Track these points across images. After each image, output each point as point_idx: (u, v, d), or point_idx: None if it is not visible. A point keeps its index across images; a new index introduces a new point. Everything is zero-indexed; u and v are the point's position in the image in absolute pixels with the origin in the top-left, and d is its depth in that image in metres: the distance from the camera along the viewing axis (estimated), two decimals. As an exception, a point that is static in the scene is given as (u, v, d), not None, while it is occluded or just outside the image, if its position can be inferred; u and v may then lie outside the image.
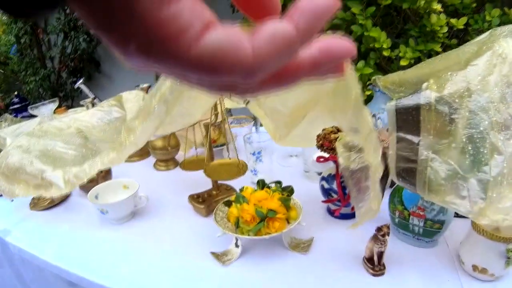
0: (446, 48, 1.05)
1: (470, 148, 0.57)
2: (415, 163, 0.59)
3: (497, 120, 0.58)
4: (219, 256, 0.70)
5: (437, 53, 1.07)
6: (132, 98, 1.06)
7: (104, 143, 0.99)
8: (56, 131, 0.99)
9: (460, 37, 1.08)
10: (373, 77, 1.03)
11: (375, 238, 0.61)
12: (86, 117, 1.05)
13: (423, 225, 0.66)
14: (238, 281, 0.65)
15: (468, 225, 0.64)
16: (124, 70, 2.28)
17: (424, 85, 0.60)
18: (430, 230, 0.66)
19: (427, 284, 0.60)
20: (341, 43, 0.18)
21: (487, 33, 0.71)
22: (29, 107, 1.19)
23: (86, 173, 0.76)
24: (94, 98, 1.20)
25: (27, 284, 0.91)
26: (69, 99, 2.45)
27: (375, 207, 0.59)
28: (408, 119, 0.60)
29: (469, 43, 0.71)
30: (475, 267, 0.59)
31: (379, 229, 0.61)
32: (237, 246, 0.70)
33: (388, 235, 0.61)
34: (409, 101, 0.60)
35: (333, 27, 1.17)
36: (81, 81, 1.27)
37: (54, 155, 0.92)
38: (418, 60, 1.07)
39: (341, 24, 1.16)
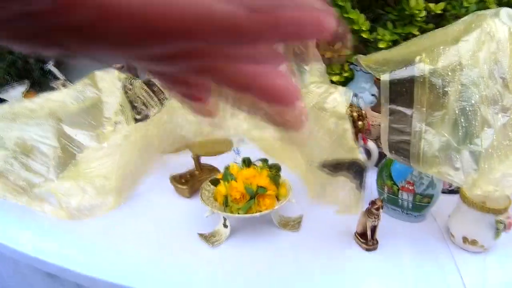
0: (423, 32, 1.07)
1: (462, 120, 0.58)
2: (408, 135, 0.59)
3: (486, 95, 0.59)
4: (207, 238, 0.68)
5: (414, 37, 1.09)
6: (106, 78, 1.01)
7: (81, 130, 0.94)
8: (28, 112, 0.93)
9: (437, 22, 1.10)
10: (354, 57, 1.03)
11: (368, 212, 0.61)
12: (60, 97, 0.99)
13: (412, 200, 0.67)
14: (229, 262, 0.64)
15: (454, 200, 0.65)
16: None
17: (417, 58, 0.60)
18: (419, 204, 0.66)
19: (420, 258, 0.61)
20: (318, 15, 0.13)
21: (469, 15, 0.72)
22: None
23: (91, 212, 0.75)
24: (66, 80, 1.14)
25: (4, 281, 0.85)
26: (37, 85, 2.36)
27: (355, 211, 0.62)
28: (402, 91, 0.60)
29: (455, 23, 0.72)
30: (465, 239, 0.60)
31: (372, 202, 0.61)
32: (225, 226, 0.68)
33: (382, 209, 0.61)
34: (403, 73, 0.60)
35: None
36: (51, 63, 1.20)
37: (32, 148, 0.86)
38: (395, 43, 1.08)
39: (320, 6, 1.15)
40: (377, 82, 0.84)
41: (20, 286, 0.83)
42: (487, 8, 0.99)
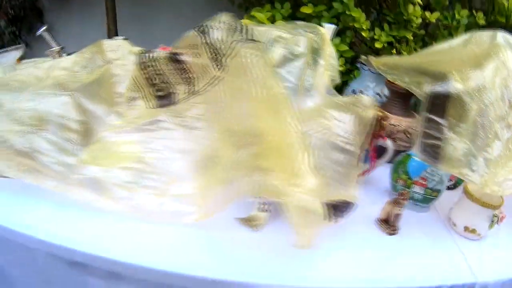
0: (415, 37, 1.27)
1: (481, 132, 0.76)
2: (439, 140, 0.76)
3: (498, 114, 0.78)
4: (247, 221, 0.78)
5: (407, 40, 1.28)
6: (115, 47, 1.02)
7: (95, 103, 0.93)
8: (35, 81, 0.93)
9: (428, 29, 1.30)
10: (363, 57, 1.19)
11: (396, 202, 0.78)
12: (67, 64, 0.99)
13: (423, 193, 0.85)
14: (269, 245, 0.75)
15: (451, 194, 0.86)
16: (70, 21, 2.04)
17: (450, 77, 0.77)
18: (428, 197, 0.85)
19: (430, 241, 0.81)
20: None
21: (468, 34, 0.92)
22: None
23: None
24: (62, 48, 1.11)
25: (11, 274, 0.84)
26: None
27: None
28: (437, 103, 0.77)
29: (465, 42, 0.92)
30: (466, 228, 0.81)
31: (401, 194, 0.78)
32: (264, 210, 0.79)
33: (408, 200, 0.78)
34: (441, 88, 0.76)
35: (313, 1, 1.28)
36: (43, 28, 1.13)
37: (51, 122, 0.85)
38: (390, 45, 1.26)
39: (322, -2, 1.28)
40: (388, 83, 1.00)
41: (33, 280, 0.82)
42: (476, 22, 1.21)
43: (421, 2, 1.21)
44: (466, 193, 0.81)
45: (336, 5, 1.25)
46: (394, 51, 1.26)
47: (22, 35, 2.34)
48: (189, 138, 0.87)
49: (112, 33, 1.69)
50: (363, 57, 1.16)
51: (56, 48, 1.14)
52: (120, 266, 0.69)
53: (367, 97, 0.87)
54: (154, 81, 0.96)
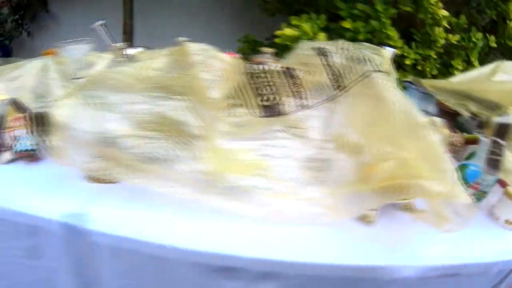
0: (436, 54, 1.62)
1: (527, 152, 1.14)
2: (500, 156, 1.12)
3: (536, 137, 1.16)
4: (362, 218, 1.06)
5: (428, 58, 1.63)
6: (199, 51, 1.13)
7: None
8: (130, 80, 1.03)
9: (446, 48, 1.67)
10: (412, 77, 1.51)
11: (466, 202, 1.12)
12: (160, 65, 1.11)
13: (475, 194, 1.21)
14: (381, 235, 1.05)
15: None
16: (76, 13, 2.03)
17: (509, 111, 1.13)
18: (479, 197, 1.21)
19: (482, 230, 1.16)
20: None
21: (494, 64, 1.31)
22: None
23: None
24: (128, 44, 1.22)
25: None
26: (7, 40, 2.12)
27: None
28: (501, 130, 1.12)
29: (492, 69, 1.29)
30: (507, 221, 1.18)
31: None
32: (373, 209, 1.07)
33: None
34: (504, 120, 1.11)
35: (352, 17, 1.57)
36: (100, 22, 1.20)
37: (171, 126, 0.98)
38: (416, 62, 1.61)
39: (360, 15, 1.57)
40: (438, 103, 1.33)
41: None
42: (489, 45, 1.60)
43: (447, 26, 1.56)
44: (507, 194, 1.18)
45: (373, 23, 1.54)
46: (419, 67, 1.61)
47: (25, 23, 2.31)
48: (307, 148, 1.12)
49: (128, 27, 1.78)
50: (411, 77, 1.48)
51: (119, 44, 1.25)
52: (270, 265, 0.87)
53: (437, 118, 1.19)
54: (262, 91, 1.16)
